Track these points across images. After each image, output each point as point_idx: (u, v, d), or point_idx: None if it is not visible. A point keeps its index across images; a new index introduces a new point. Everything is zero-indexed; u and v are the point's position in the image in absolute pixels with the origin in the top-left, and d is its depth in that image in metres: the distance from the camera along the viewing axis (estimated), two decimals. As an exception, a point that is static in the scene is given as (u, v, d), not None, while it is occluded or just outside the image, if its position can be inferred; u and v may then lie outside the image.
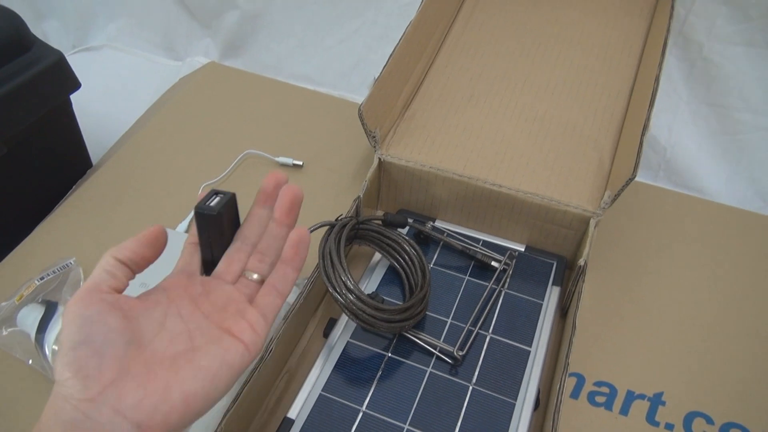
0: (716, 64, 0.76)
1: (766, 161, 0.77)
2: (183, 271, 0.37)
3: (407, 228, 0.61)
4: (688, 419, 0.52)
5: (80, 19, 1.05)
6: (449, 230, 0.63)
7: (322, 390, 0.50)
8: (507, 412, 0.48)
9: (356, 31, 0.93)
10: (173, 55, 1.04)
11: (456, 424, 0.48)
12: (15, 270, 0.62)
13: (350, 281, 0.49)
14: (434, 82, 0.69)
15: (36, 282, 0.58)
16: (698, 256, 0.64)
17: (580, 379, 0.54)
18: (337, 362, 0.52)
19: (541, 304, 0.56)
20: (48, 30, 1.06)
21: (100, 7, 1.04)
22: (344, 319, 0.55)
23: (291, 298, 0.52)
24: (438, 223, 0.64)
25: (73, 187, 0.72)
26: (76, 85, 0.67)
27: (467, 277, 0.58)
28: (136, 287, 0.35)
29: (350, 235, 0.55)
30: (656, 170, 0.82)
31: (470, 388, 0.50)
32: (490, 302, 0.56)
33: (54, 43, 0.66)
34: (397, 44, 0.62)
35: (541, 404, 0.51)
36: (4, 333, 0.55)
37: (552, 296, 0.57)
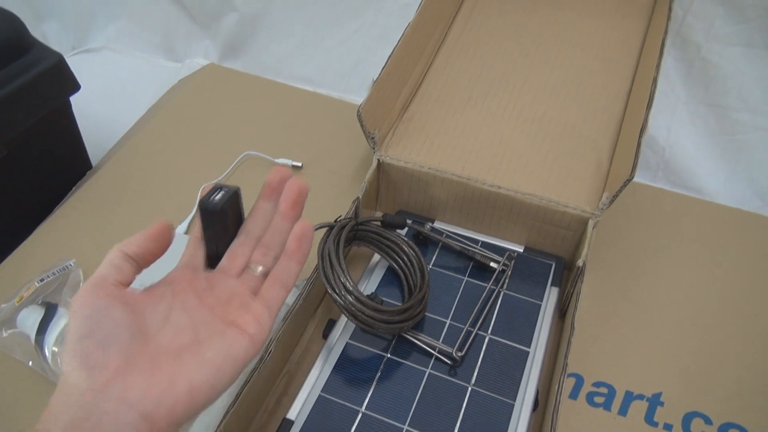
0: (714, 64, 0.76)
1: (765, 161, 0.77)
2: (187, 266, 0.38)
3: (406, 229, 0.61)
4: (687, 419, 0.52)
5: (79, 21, 1.05)
6: (448, 231, 0.63)
7: (322, 391, 0.50)
8: (506, 412, 0.49)
9: (355, 32, 0.93)
10: (173, 56, 1.05)
11: (455, 425, 0.48)
12: (15, 271, 0.63)
13: (349, 282, 0.49)
14: (433, 83, 0.69)
15: (36, 283, 0.58)
16: (697, 257, 0.64)
17: (579, 380, 0.55)
18: (336, 363, 0.52)
19: (540, 305, 0.56)
20: (47, 32, 1.06)
21: (99, 8, 1.04)
22: (343, 320, 0.55)
23: (290, 300, 0.52)
24: (437, 224, 0.64)
25: (73, 188, 0.72)
26: (75, 86, 0.67)
27: (466, 278, 0.59)
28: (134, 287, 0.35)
29: (349, 236, 0.55)
30: (655, 171, 0.83)
31: (469, 388, 0.50)
32: (489, 303, 0.56)
33: (53, 44, 0.66)
34: (396, 45, 0.62)
35: (540, 405, 0.51)
36: (4, 334, 0.56)
37: (551, 297, 0.57)
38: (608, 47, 0.71)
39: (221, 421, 0.44)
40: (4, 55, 0.61)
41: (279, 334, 0.49)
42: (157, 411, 0.31)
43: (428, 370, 0.51)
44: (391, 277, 0.58)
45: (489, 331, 0.54)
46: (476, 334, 0.54)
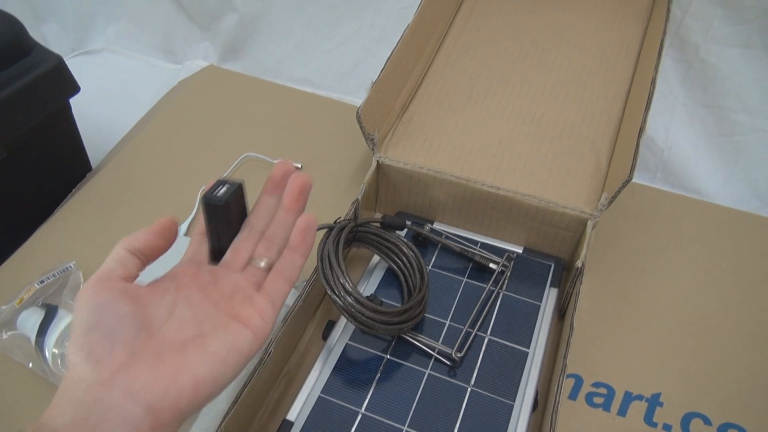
0: (713, 65, 0.76)
1: (763, 162, 0.77)
2: (191, 261, 0.38)
3: (405, 230, 0.61)
4: (686, 420, 0.52)
5: (79, 23, 1.05)
6: (447, 232, 0.63)
7: (321, 392, 0.50)
8: (505, 413, 0.49)
9: (355, 33, 0.93)
10: (172, 58, 1.05)
11: (455, 426, 0.48)
12: (15, 273, 0.63)
13: (349, 284, 0.49)
14: (432, 84, 0.69)
15: (36, 285, 0.58)
16: (695, 257, 0.64)
17: (578, 380, 0.55)
18: (336, 364, 0.52)
19: (539, 306, 0.56)
20: (47, 33, 1.06)
21: (99, 10, 1.04)
22: (343, 321, 0.55)
23: (290, 301, 0.53)
24: (436, 226, 0.64)
25: (73, 190, 0.73)
26: (75, 88, 0.68)
27: (465, 279, 0.59)
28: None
29: (349, 237, 0.55)
30: (654, 171, 0.83)
31: (469, 389, 0.50)
32: (488, 304, 0.56)
33: (53, 46, 0.67)
34: (395, 47, 0.62)
35: (539, 405, 0.51)
36: (4, 336, 0.56)
37: (550, 298, 0.57)
38: (607, 48, 0.71)
39: (221, 423, 0.44)
40: (4, 57, 0.61)
41: (279, 336, 0.49)
42: (161, 404, 0.31)
43: (428, 371, 0.52)
44: (390, 278, 0.59)
45: (488, 332, 0.54)
46: (475, 335, 0.54)
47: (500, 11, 0.76)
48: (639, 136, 0.54)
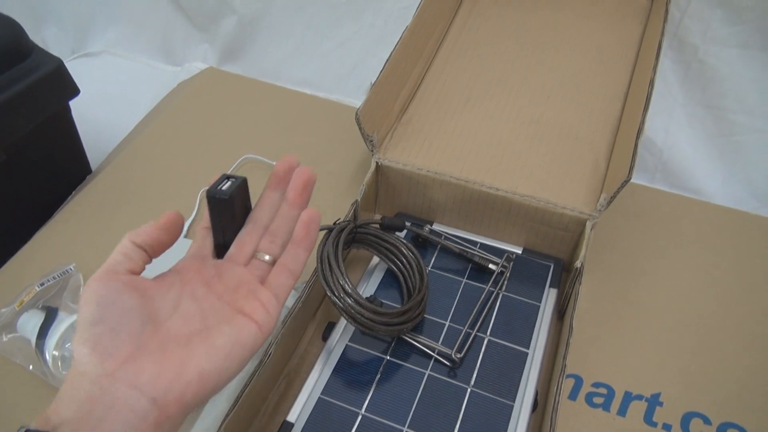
0: (711, 66, 0.76)
1: (762, 162, 0.77)
2: (196, 255, 0.38)
3: (405, 231, 0.62)
4: (686, 419, 0.53)
5: (79, 26, 1.06)
6: (447, 233, 0.63)
7: (321, 393, 0.50)
8: (505, 413, 0.49)
9: (354, 35, 0.93)
10: (172, 60, 1.05)
11: (455, 426, 0.48)
12: (15, 276, 0.63)
13: (348, 285, 0.50)
14: (431, 85, 0.69)
15: (36, 288, 0.58)
16: (695, 257, 0.65)
17: (578, 381, 0.55)
18: (336, 365, 0.52)
19: (539, 306, 0.56)
20: (47, 36, 1.07)
21: (98, 13, 1.05)
22: (343, 322, 0.55)
23: (290, 302, 0.53)
24: (436, 226, 0.64)
25: (73, 192, 0.73)
26: (75, 91, 0.68)
27: (465, 280, 0.59)
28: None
29: (348, 238, 0.55)
30: (653, 172, 0.83)
31: (468, 390, 0.50)
32: (488, 305, 0.56)
33: (53, 49, 0.67)
34: (394, 48, 0.62)
35: (539, 405, 0.51)
36: (5, 339, 0.56)
37: (549, 298, 0.57)
38: (606, 49, 0.71)
39: (221, 424, 0.44)
40: (4, 60, 0.61)
41: (278, 337, 0.49)
42: (167, 397, 0.31)
43: (428, 372, 0.52)
44: (390, 279, 0.59)
45: (488, 333, 0.54)
46: (475, 335, 0.54)
47: (499, 12, 0.77)
48: (637, 137, 0.54)
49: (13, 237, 0.66)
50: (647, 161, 0.83)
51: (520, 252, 0.62)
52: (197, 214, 0.68)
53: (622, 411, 0.53)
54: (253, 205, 0.40)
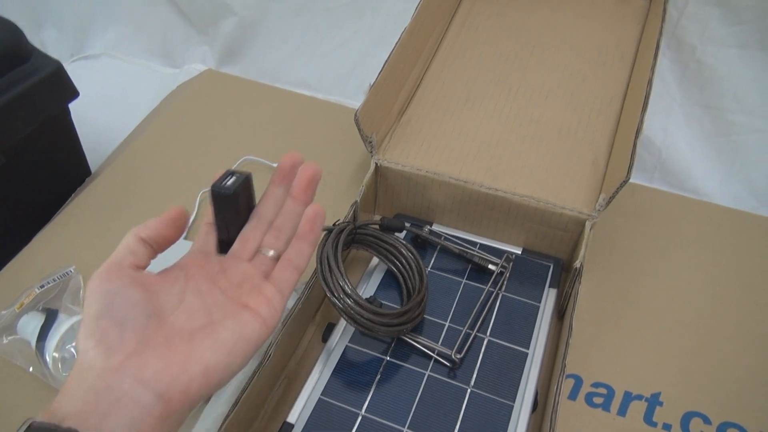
0: (709, 66, 0.76)
1: (761, 162, 0.78)
2: (199, 251, 0.38)
3: (404, 232, 0.62)
4: (686, 419, 0.53)
5: (78, 28, 1.06)
6: (446, 234, 0.63)
7: (321, 394, 0.50)
8: (505, 414, 0.49)
9: (352, 36, 0.93)
10: (171, 62, 1.05)
11: (455, 427, 0.48)
12: (15, 278, 0.63)
13: (348, 286, 0.50)
14: (430, 86, 0.69)
15: (36, 290, 0.59)
16: (694, 257, 0.65)
17: (578, 381, 0.55)
18: (336, 366, 0.52)
19: (538, 307, 0.57)
20: (46, 39, 1.07)
21: (97, 15, 1.05)
22: (343, 323, 0.55)
23: (289, 303, 0.53)
24: (435, 227, 0.64)
25: (72, 195, 0.73)
26: (74, 93, 0.68)
27: (464, 281, 0.59)
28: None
29: (348, 239, 0.56)
30: (651, 172, 0.83)
31: (468, 390, 0.50)
32: (488, 305, 0.56)
33: (52, 51, 0.67)
34: (393, 50, 0.62)
35: (539, 406, 0.51)
36: (5, 341, 0.56)
37: (549, 298, 0.57)
38: (604, 49, 0.71)
39: (221, 425, 0.44)
40: (3, 63, 0.61)
41: (278, 338, 0.49)
42: (172, 391, 0.31)
43: (427, 373, 0.52)
44: (389, 280, 0.59)
45: (488, 333, 0.54)
46: (475, 336, 0.54)
47: (497, 13, 0.77)
48: (636, 137, 0.54)
49: (13, 239, 0.66)
50: (646, 161, 0.83)
51: (519, 252, 0.62)
52: (197, 215, 0.68)
53: (622, 411, 0.53)
54: (257, 201, 0.40)
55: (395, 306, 0.56)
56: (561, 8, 0.76)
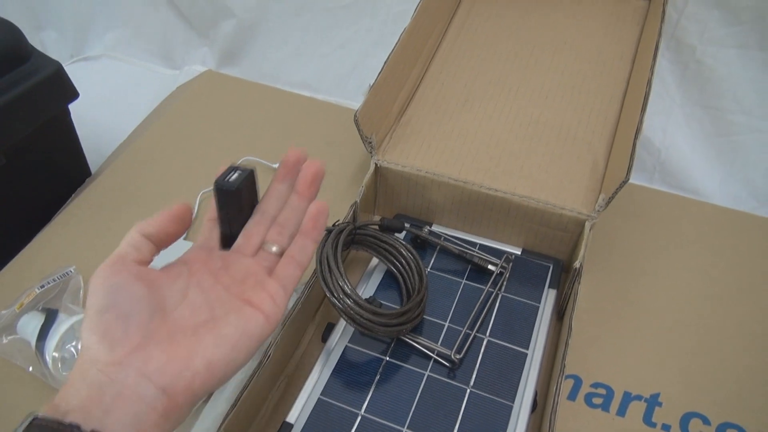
0: (709, 66, 0.76)
1: (760, 162, 0.78)
2: (203, 247, 0.38)
3: (404, 233, 0.62)
4: (685, 420, 0.53)
5: (78, 29, 1.06)
6: (446, 234, 0.63)
7: (321, 394, 0.50)
8: (505, 414, 0.49)
9: (352, 37, 0.93)
10: (171, 63, 1.05)
11: (454, 427, 0.48)
12: (15, 278, 0.63)
13: (348, 286, 0.50)
14: (429, 87, 0.69)
15: (36, 290, 0.59)
16: (693, 257, 0.65)
17: (577, 381, 0.55)
18: (335, 366, 0.52)
19: (538, 307, 0.57)
20: (46, 40, 1.07)
21: (97, 16, 1.05)
22: (342, 323, 0.55)
23: (289, 304, 0.53)
24: (435, 228, 0.64)
25: (72, 195, 0.73)
26: (74, 94, 0.68)
27: (464, 281, 0.59)
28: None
29: (347, 240, 0.56)
30: (651, 172, 0.83)
31: (468, 390, 0.50)
32: (487, 305, 0.56)
33: (52, 53, 0.67)
34: (392, 50, 0.63)
35: (538, 406, 0.51)
36: (5, 341, 0.56)
37: (548, 299, 0.57)
38: (603, 50, 0.71)
39: (221, 425, 0.44)
40: (3, 63, 0.61)
41: (278, 338, 0.49)
42: (175, 386, 0.31)
43: (427, 373, 0.52)
44: (389, 280, 0.59)
45: (487, 334, 0.55)
46: (474, 336, 0.54)
47: (497, 14, 0.77)
48: (636, 137, 0.54)
49: (13, 239, 0.66)
50: (645, 161, 0.83)
51: (519, 253, 0.62)
52: (196, 215, 0.68)
53: (622, 411, 0.53)
54: (260, 197, 0.40)
55: (395, 306, 0.56)
56: (560, 9, 0.76)
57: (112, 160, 0.77)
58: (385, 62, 0.61)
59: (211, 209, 0.39)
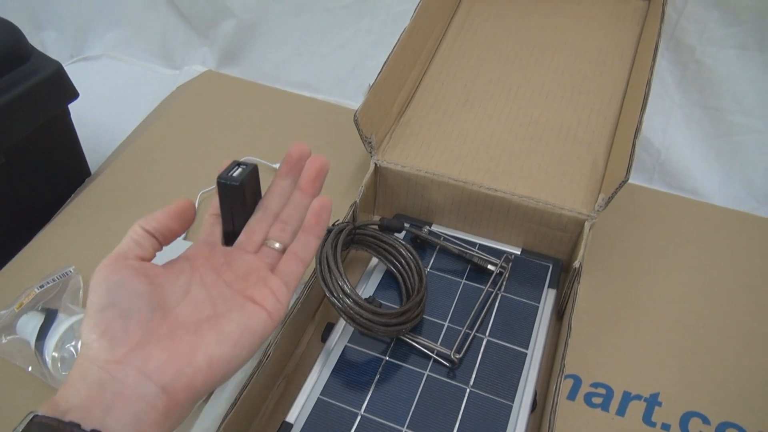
0: (708, 67, 0.77)
1: (759, 162, 0.78)
2: (205, 243, 0.38)
3: (404, 232, 0.62)
4: (685, 419, 0.53)
5: (78, 29, 1.06)
6: (446, 234, 0.63)
7: (321, 394, 0.50)
8: (504, 414, 0.49)
9: (352, 38, 0.93)
10: (171, 64, 1.05)
11: (454, 427, 0.48)
12: (14, 278, 0.63)
13: (347, 286, 0.50)
14: (429, 87, 0.69)
15: (36, 290, 0.59)
16: (693, 257, 0.65)
17: (577, 381, 0.55)
18: (335, 366, 0.52)
19: (538, 307, 0.57)
20: (46, 40, 1.07)
21: (97, 16, 1.05)
22: (342, 323, 0.55)
23: (290, 302, 0.53)
24: (434, 228, 0.64)
25: (72, 195, 0.73)
26: (74, 94, 0.68)
27: (464, 281, 0.59)
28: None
29: (347, 240, 0.56)
30: (651, 172, 0.83)
31: (468, 390, 0.50)
32: (487, 305, 0.56)
33: (52, 53, 0.67)
34: (392, 50, 0.63)
35: (538, 406, 0.51)
36: (4, 341, 0.56)
37: (548, 299, 0.57)
38: (603, 50, 0.71)
39: (220, 424, 0.44)
40: (3, 63, 0.61)
41: (278, 338, 0.49)
42: (176, 383, 0.31)
43: (427, 373, 0.52)
44: (389, 280, 0.59)
45: (487, 333, 0.55)
46: (474, 336, 0.54)
47: (496, 15, 0.77)
48: (635, 137, 0.54)
49: (12, 239, 0.66)
50: (645, 162, 0.83)
51: (518, 253, 0.62)
52: (197, 216, 0.68)
53: (621, 411, 0.53)
54: (263, 193, 0.40)
55: (394, 306, 0.56)
56: (560, 9, 0.76)
57: (112, 160, 0.77)
58: (384, 62, 0.61)
59: (213, 205, 0.39)
